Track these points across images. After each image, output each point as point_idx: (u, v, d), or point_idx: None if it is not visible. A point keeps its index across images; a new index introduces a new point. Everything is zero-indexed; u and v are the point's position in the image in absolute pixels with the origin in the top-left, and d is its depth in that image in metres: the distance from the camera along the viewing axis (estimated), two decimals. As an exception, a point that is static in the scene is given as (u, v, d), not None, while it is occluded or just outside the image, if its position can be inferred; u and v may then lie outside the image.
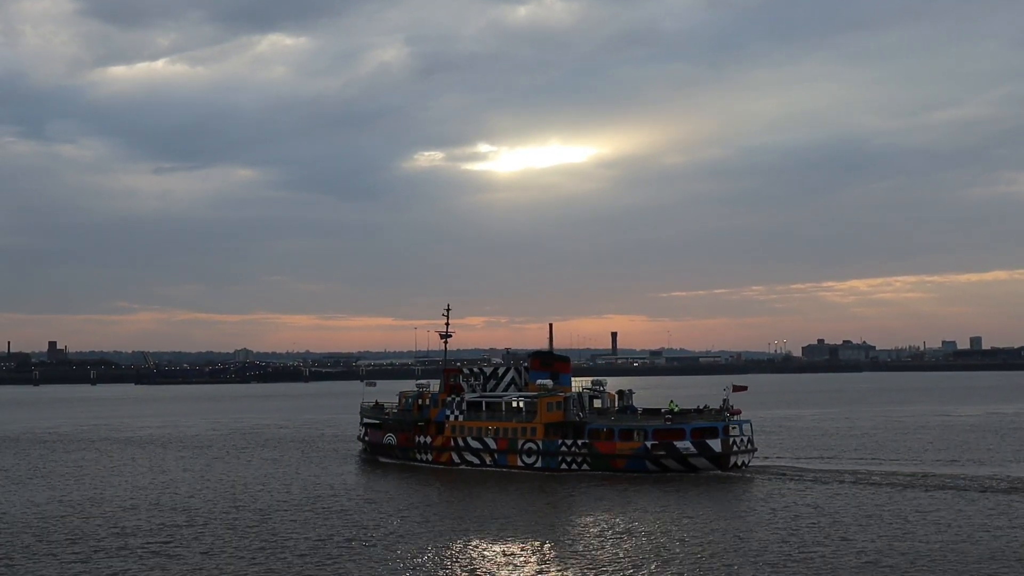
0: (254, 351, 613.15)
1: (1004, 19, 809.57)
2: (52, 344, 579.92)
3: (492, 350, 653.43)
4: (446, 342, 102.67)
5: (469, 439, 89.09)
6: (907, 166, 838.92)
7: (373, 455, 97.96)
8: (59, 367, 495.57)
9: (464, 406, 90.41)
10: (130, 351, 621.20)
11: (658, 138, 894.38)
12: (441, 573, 45.79)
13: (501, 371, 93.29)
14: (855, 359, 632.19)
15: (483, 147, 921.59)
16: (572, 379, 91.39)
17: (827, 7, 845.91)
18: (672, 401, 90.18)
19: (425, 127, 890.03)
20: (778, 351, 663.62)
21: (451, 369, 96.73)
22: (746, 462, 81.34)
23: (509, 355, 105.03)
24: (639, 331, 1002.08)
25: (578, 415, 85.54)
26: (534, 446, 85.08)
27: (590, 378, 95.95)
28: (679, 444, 79.89)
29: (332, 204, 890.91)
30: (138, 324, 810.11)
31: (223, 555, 50.07)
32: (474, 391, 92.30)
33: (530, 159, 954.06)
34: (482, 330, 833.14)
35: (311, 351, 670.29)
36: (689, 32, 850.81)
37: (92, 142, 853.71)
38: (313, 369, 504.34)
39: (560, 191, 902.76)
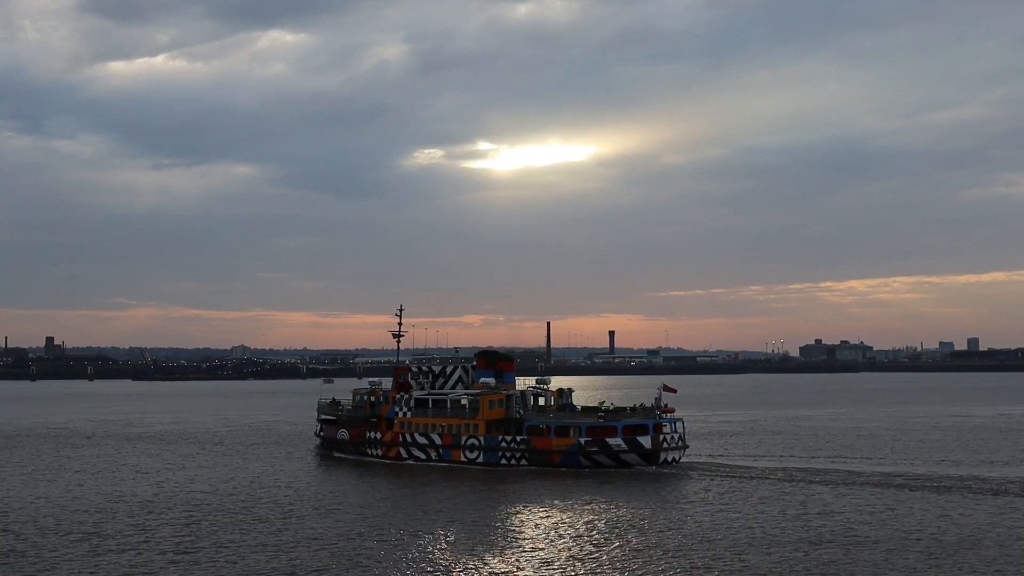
0: (251, 348, 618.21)
1: (1003, 21, 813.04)
2: (49, 340, 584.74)
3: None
4: (399, 341, 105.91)
5: (416, 435, 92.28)
6: (906, 167, 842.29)
7: (328, 450, 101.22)
8: (56, 363, 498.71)
9: (412, 403, 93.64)
10: (127, 347, 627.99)
11: (657, 137, 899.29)
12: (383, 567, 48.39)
13: (449, 370, 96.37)
14: (852, 359, 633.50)
15: (483, 145, 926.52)
16: (516, 378, 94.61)
17: (826, 8, 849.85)
18: (603, 400, 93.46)
19: (424, 125, 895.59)
20: (775, 351, 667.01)
21: (401, 368, 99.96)
22: (677, 458, 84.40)
23: (458, 354, 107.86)
24: (637, 330, 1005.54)
25: (519, 412, 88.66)
26: (476, 442, 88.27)
27: (534, 377, 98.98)
28: (611, 441, 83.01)
29: (330, 201, 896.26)
30: (135, 320, 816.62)
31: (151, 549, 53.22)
32: (423, 389, 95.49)
33: (530, 158, 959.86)
34: (480, 328, 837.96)
35: (308, 348, 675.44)
36: (688, 32, 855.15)
37: (90, 138, 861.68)
38: (310, 366, 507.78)
39: (559, 190, 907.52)
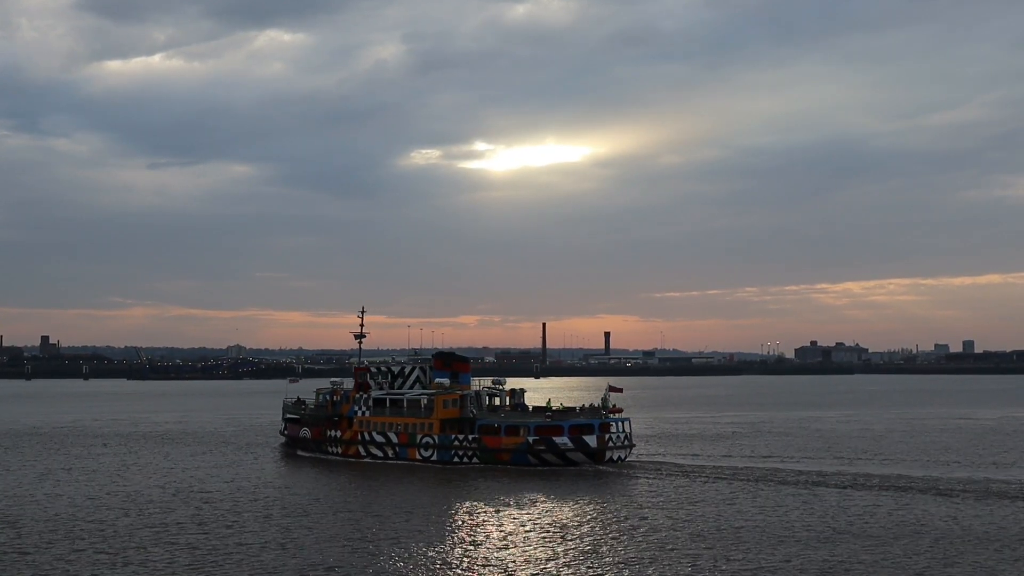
0: (247, 347, 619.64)
1: (1001, 22, 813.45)
2: (45, 338, 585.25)
3: (485, 349, 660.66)
4: (360, 342, 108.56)
5: (374, 433, 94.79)
6: (903, 168, 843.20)
7: (292, 448, 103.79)
8: (51, 362, 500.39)
9: (370, 403, 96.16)
10: (123, 346, 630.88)
11: (654, 138, 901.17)
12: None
13: (407, 370, 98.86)
14: (848, 361, 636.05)
15: (480, 145, 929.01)
16: (472, 378, 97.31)
17: (825, 8, 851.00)
18: (550, 400, 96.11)
19: (421, 124, 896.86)
20: (771, 353, 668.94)
21: (361, 368, 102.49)
22: (623, 457, 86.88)
23: (417, 355, 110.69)
24: (632, 331, 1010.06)
25: (472, 412, 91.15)
26: (431, 440, 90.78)
27: (491, 378, 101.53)
28: (558, 440, 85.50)
29: (327, 201, 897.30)
30: (131, 319, 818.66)
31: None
32: (381, 388, 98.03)
33: (527, 158, 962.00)
34: (475, 328, 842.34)
35: (304, 348, 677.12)
36: (686, 32, 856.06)
37: (87, 136, 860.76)
38: (306, 366, 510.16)
39: (556, 190, 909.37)
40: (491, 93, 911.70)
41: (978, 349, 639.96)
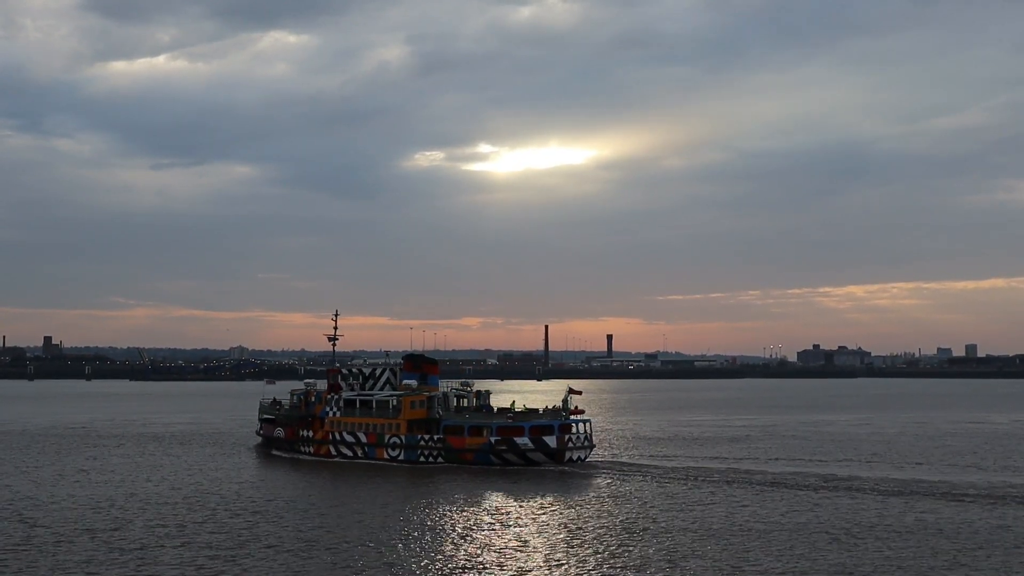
0: (249, 348, 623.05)
1: (1004, 27, 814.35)
2: (47, 339, 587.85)
3: (487, 351, 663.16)
4: (334, 344, 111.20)
5: (344, 433, 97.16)
6: (906, 172, 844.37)
7: (267, 448, 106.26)
8: (54, 362, 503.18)
9: (341, 403, 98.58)
10: (125, 347, 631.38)
11: (657, 141, 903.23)
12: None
13: (378, 372, 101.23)
14: (850, 365, 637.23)
15: (484, 147, 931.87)
16: (440, 380, 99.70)
17: (828, 12, 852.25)
18: (514, 401, 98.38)
19: (424, 126, 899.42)
20: (773, 356, 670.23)
21: (333, 369, 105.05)
22: (583, 457, 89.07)
23: (389, 357, 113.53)
24: (635, 334, 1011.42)
25: (438, 413, 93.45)
26: (398, 440, 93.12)
27: (459, 380, 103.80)
28: (519, 440, 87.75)
29: (329, 202, 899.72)
30: (133, 320, 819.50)
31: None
32: (352, 390, 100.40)
33: (530, 160, 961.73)
34: (478, 331, 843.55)
35: (306, 349, 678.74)
36: (689, 35, 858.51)
37: (90, 137, 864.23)
38: (308, 367, 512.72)
39: (559, 193, 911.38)
40: (494, 95, 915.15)
41: (981, 353, 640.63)
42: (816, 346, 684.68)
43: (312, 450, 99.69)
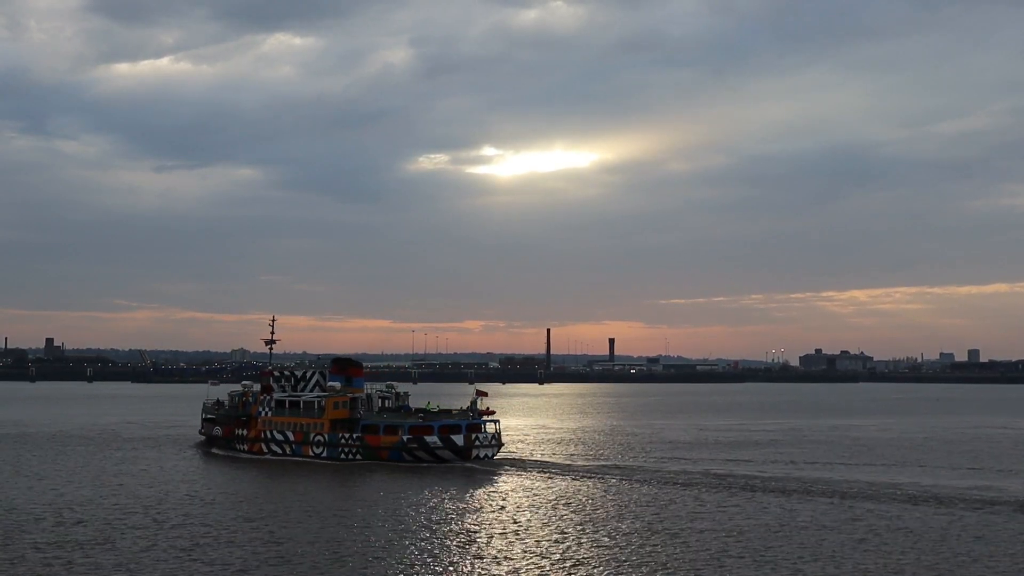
0: (251, 351, 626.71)
1: (1009, 32, 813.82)
2: (49, 341, 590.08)
3: (489, 354, 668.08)
4: (271, 348, 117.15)
5: (275, 432, 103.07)
6: (910, 176, 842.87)
7: (208, 446, 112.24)
8: (55, 364, 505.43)
9: (273, 404, 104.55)
10: (127, 349, 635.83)
11: (661, 144, 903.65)
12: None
13: (308, 374, 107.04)
14: (853, 369, 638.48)
15: (488, 150, 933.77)
16: (365, 382, 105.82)
17: (832, 16, 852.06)
18: (429, 402, 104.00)
19: (428, 129, 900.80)
20: (775, 360, 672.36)
21: (266, 372, 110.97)
22: (490, 456, 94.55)
23: (319, 361, 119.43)
24: (637, 338, 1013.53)
25: (359, 413, 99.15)
26: (321, 439, 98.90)
27: (384, 383, 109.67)
28: (428, 439, 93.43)
29: (332, 205, 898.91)
30: (135, 322, 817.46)
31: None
32: (284, 391, 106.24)
33: (535, 163, 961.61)
34: (480, 334, 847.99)
35: (308, 352, 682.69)
36: (694, 39, 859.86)
37: (94, 138, 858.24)
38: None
39: (562, 196, 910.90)
40: (498, 98, 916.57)
41: (983, 358, 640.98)
42: (818, 351, 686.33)
43: (247, 448, 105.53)
